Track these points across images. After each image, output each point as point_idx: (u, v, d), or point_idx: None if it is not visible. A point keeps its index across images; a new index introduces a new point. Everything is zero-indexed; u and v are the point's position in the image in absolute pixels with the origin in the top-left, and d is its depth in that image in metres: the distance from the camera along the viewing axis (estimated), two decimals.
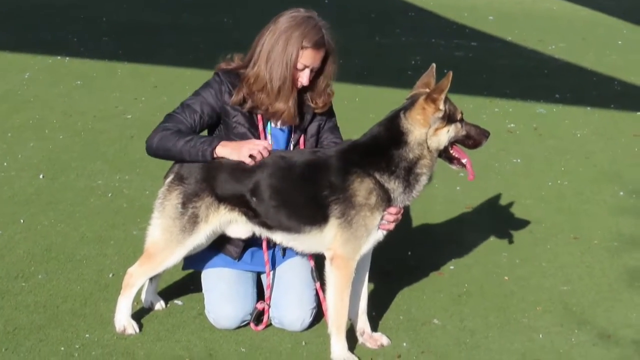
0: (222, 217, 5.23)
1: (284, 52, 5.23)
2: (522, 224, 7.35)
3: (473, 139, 5.18)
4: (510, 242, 6.99)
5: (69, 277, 5.96)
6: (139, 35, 13.75)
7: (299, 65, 5.25)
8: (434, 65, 5.24)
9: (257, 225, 5.25)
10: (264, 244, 5.50)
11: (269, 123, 5.43)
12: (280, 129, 5.47)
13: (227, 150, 5.15)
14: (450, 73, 5.00)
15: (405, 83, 11.67)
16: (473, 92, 11.55)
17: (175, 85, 10.95)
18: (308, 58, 5.25)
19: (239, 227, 5.30)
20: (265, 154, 5.13)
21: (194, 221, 5.21)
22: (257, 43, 5.34)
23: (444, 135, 5.06)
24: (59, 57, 11.97)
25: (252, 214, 5.20)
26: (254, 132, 5.38)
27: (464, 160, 5.18)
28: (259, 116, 5.39)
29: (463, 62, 13.52)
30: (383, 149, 5.10)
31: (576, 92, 12.04)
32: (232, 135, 5.36)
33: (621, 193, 8.25)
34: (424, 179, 5.14)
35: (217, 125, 5.43)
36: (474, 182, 8.13)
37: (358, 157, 5.12)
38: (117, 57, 12.23)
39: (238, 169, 5.16)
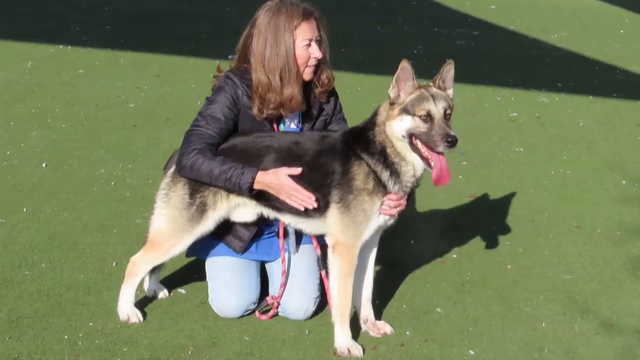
0: (230, 201, 5.25)
1: (278, 44, 5.24)
2: (525, 213, 7.36)
3: (429, 139, 4.94)
4: (513, 231, 7.00)
5: (73, 266, 5.97)
6: (141, 24, 13.76)
7: (303, 43, 5.27)
8: (451, 61, 5.20)
9: (266, 208, 5.27)
10: (281, 231, 5.50)
11: (282, 124, 5.43)
12: (292, 127, 5.48)
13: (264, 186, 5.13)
14: (402, 61, 5.00)
15: None
16: (475, 81, 11.55)
17: (177, 74, 10.95)
18: (306, 31, 5.27)
19: (247, 210, 5.31)
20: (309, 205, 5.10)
21: (202, 210, 5.22)
22: (246, 49, 5.36)
23: (397, 123, 5.00)
24: (61, 46, 11.98)
25: (261, 197, 5.21)
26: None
27: (432, 163, 4.99)
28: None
29: (465, 51, 13.52)
30: (365, 132, 5.15)
31: (578, 81, 12.03)
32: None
33: (624, 182, 8.25)
34: (404, 170, 5.10)
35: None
36: (476, 170, 8.21)
37: (351, 138, 5.18)
38: (120, 45, 12.24)
39: (247, 153, 5.18)
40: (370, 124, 5.14)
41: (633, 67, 13.04)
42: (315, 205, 5.08)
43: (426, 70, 11.88)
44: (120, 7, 14.81)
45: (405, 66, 4.99)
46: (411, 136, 4.99)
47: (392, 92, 5.03)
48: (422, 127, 4.95)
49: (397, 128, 5.00)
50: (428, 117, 4.95)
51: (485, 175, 8.20)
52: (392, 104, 5.04)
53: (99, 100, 9.70)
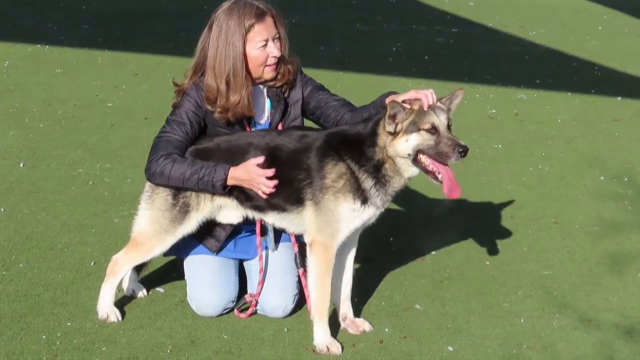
0: (214, 203, 5.26)
1: (227, 48, 5.21)
2: (503, 209, 7.37)
3: (440, 152, 4.95)
4: (492, 227, 7.01)
5: (50, 266, 5.94)
6: (119, 23, 13.72)
7: (259, 44, 5.24)
8: (462, 89, 5.15)
9: (249, 209, 5.28)
10: (258, 228, 5.49)
11: (251, 119, 5.43)
12: (261, 124, 5.48)
13: (236, 181, 5.13)
14: (389, 103, 4.92)
15: (386, 70, 11.74)
16: (454, 78, 11.56)
17: (155, 73, 10.93)
18: (261, 32, 5.23)
19: (230, 212, 5.33)
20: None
21: (185, 210, 5.23)
22: (203, 51, 5.32)
23: (402, 144, 4.97)
24: (38, 45, 11.94)
25: (243, 197, 5.22)
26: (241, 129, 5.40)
27: (439, 176, 5.01)
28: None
29: (444, 48, 13.54)
30: (360, 144, 5.10)
31: (557, 78, 12.07)
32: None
33: (602, 178, 8.28)
34: (395, 181, 5.11)
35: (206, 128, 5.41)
36: (455, 167, 8.17)
37: (337, 140, 5.14)
38: (97, 45, 12.20)
39: (228, 154, 5.18)
40: (369, 142, 5.08)
41: (611, 64, 13.09)
42: (273, 190, 5.07)
43: (405, 68, 11.95)
44: (98, 7, 14.76)
45: (393, 105, 4.91)
46: (417, 153, 4.98)
47: (390, 128, 4.98)
48: (430, 140, 4.94)
49: (402, 148, 4.98)
50: (433, 129, 4.94)
51: (464, 172, 8.19)
52: (392, 133, 4.98)
53: (77, 100, 9.67)
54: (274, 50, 5.27)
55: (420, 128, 4.94)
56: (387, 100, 5.10)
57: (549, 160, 8.73)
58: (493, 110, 10.33)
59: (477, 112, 10.23)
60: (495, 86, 11.47)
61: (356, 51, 12.91)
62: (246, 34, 5.22)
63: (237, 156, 5.15)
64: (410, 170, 5.08)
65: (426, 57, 12.67)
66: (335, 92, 5.65)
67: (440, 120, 4.98)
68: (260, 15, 5.23)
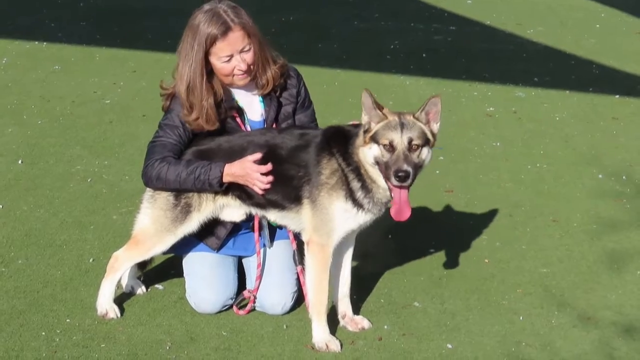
0: (216, 202, 5.28)
1: (189, 60, 5.20)
2: (502, 207, 7.37)
3: (385, 171, 4.93)
4: (490, 225, 7.01)
5: (49, 263, 5.95)
6: (117, 20, 13.69)
7: (223, 59, 5.21)
8: (437, 95, 5.06)
9: (251, 207, 5.30)
10: (256, 224, 5.49)
11: (245, 117, 5.43)
12: (257, 121, 5.48)
13: (232, 178, 5.14)
14: (363, 91, 4.94)
15: (384, 67, 11.72)
16: (452, 76, 11.55)
17: (154, 69, 10.91)
18: (225, 48, 5.20)
19: (233, 210, 5.35)
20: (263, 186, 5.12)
21: (186, 210, 5.25)
22: (179, 53, 5.33)
23: (366, 150, 4.98)
24: (36, 42, 11.92)
25: (245, 196, 5.24)
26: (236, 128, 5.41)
27: (393, 194, 4.99)
28: (235, 114, 5.39)
29: (442, 46, 13.52)
30: (347, 141, 5.11)
31: (555, 76, 12.05)
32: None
33: (600, 176, 8.27)
34: (375, 189, 5.09)
35: None
36: (454, 165, 8.22)
37: (333, 137, 5.17)
38: (95, 41, 12.18)
39: (230, 153, 5.19)
40: (353, 139, 5.11)
41: (609, 62, 13.07)
42: (268, 186, 5.09)
43: (403, 66, 11.94)
44: (96, 3, 14.74)
45: (364, 95, 4.94)
46: (378, 164, 4.98)
47: (363, 120, 5.01)
48: (385, 156, 4.93)
49: (366, 155, 4.99)
50: (390, 147, 4.92)
51: (463, 169, 8.21)
52: (365, 131, 5.01)
53: (74, 97, 9.66)
54: (240, 63, 5.23)
55: (379, 142, 4.94)
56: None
57: (547, 158, 8.73)
58: (491, 108, 10.32)
59: (475, 110, 10.22)
60: (493, 84, 11.45)
61: (354, 49, 12.89)
62: (209, 48, 5.19)
63: (237, 155, 5.16)
64: (381, 181, 5.04)
65: (424, 55, 12.65)
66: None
67: (402, 139, 4.92)
68: (224, 32, 5.17)
